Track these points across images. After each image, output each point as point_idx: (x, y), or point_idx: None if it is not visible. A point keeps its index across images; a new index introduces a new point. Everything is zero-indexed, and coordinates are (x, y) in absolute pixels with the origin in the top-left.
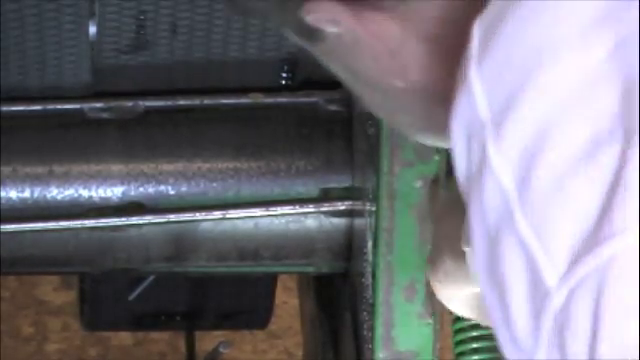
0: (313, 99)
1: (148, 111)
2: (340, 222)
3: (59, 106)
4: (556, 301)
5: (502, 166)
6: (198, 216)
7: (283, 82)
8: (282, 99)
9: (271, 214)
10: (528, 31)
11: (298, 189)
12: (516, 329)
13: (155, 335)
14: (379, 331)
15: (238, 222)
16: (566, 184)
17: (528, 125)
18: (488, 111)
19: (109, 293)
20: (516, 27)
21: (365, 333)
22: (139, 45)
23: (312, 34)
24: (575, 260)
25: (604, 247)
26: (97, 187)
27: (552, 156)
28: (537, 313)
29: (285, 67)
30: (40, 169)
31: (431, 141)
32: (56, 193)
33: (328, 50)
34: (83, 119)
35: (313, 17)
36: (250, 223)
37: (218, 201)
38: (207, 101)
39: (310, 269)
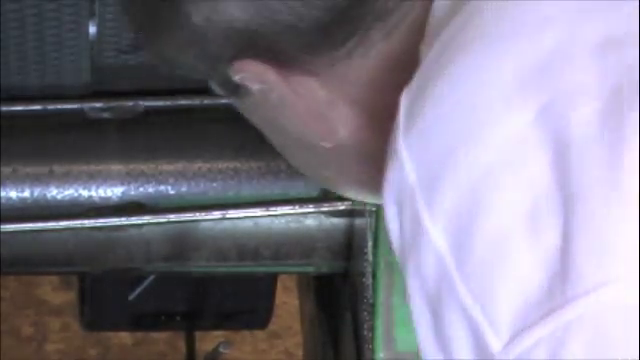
0: None
1: (148, 111)
2: (340, 222)
3: (59, 106)
4: None
5: (437, 232)
6: (198, 216)
7: None
8: None
9: (271, 214)
10: (452, 98)
11: (298, 189)
12: None
13: (155, 335)
14: (379, 331)
15: (238, 222)
16: (505, 253)
17: (459, 191)
18: (416, 178)
19: (109, 293)
20: (440, 95)
21: (365, 333)
22: (139, 45)
23: (237, 90)
24: (522, 327)
25: (558, 315)
26: (97, 187)
27: (487, 224)
28: None
29: None
30: (40, 169)
31: (359, 196)
32: (56, 193)
33: (252, 105)
34: (83, 119)
35: (240, 76)
36: (250, 223)
37: (218, 201)
38: (207, 101)
39: (310, 269)
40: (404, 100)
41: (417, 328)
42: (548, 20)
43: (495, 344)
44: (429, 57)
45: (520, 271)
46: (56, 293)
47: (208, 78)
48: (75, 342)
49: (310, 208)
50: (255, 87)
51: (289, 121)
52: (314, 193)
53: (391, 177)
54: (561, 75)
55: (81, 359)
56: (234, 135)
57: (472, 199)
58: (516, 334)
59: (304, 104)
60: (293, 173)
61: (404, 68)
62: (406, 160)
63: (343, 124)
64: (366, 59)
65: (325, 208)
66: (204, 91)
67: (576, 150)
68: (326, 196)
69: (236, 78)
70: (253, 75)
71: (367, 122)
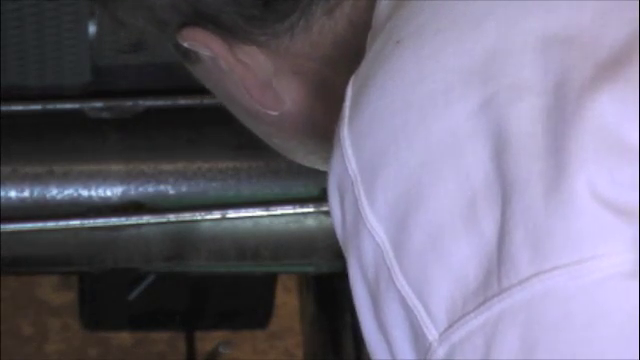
0: None
1: (148, 111)
2: None
3: (59, 106)
4: (437, 355)
5: (376, 223)
6: (198, 216)
7: None
8: None
9: (271, 214)
10: (394, 90)
11: (298, 189)
12: None
13: (155, 335)
14: None
15: (238, 222)
16: (442, 243)
17: (398, 182)
18: (357, 168)
19: (109, 293)
20: (382, 87)
21: None
22: (139, 45)
23: (188, 55)
24: (458, 316)
25: (492, 304)
26: (97, 187)
27: (425, 214)
28: None
29: None
30: (40, 169)
31: (309, 164)
32: (56, 193)
33: (204, 72)
34: (83, 119)
35: (188, 43)
36: (250, 223)
37: (218, 201)
38: (207, 101)
39: (310, 269)
40: (350, 89)
41: (359, 316)
42: (487, 14)
43: (431, 333)
44: (374, 48)
45: (457, 261)
46: (56, 293)
47: (161, 42)
48: (75, 342)
49: (310, 208)
50: (204, 54)
51: (236, 89)
52: (314, 193)
53: (334, 166)
54: (503, 69)
55: (81, 359)
56: (234, 135)
57: (411, 190)
58: (452, 323)
59: (249, 74)
60: (293, 173)
61: (349, 45)
62: (348, 150)
63: (288, 94)
64: (309, 33)
65: (325, 208)
66: (204, 91)
67: (515, 144)
68: (326, 196)
69: (184, 45)
70: (198, 42)
71: (312, 93)
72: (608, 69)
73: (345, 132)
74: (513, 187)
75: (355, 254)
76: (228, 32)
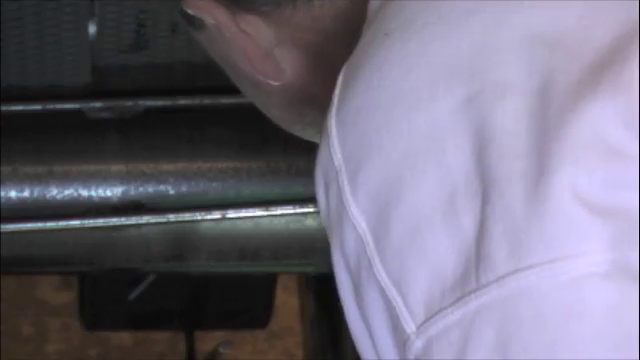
0: None
1: (148, 111)
2: None
3: (59, 106)
4: (414, 348)
5: (358, 214)
6: (198, 216)
7: None
8: None
9: (271, 214)
10: (380, 81)
11: (298, 189)
12: None
13: (155, 335)
14: None
15: (238, 222)
16: (421, 237)
17: (381, 174)
18: (342, 158)
19: (109, 293)
20: (370, 78)
21: None
22: (139, 45)
23: (193, 22)
24: (435, 310)
25: (470, 300)
26: (97, 187)
27: (406, 207)
28: (402, 355)
29: None
30: (40, 169)
31: (307, 136)
32: (56, 193)
33: (208, 39)
34: (83, 119)
35: (192, 10)
36: (250, 223)
37: (218, 201)
38: (207, 101)
39: (310, 269)
40: (341, 77)
41: (343, 303)
42: (474, 10)
43: (409, 325)
44: (364, 39)
45: (436, 255)
46: (56, 293)
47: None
48: (75, 342)
49: (310, 208)
50: (209, 21)
51: (239, 58)
52: (314, 193)
53: (321, 154)
54: (488, 66)
55: (81, 359)
56: (234, 135)
57: (392, 182)
58: (429, 317)
59: (252, 43)
60: (293, 173)
61: (349, 20)
62: (334, 139)
63: (289, 64)
64: (310, 6)
65: None
66: (204, 91)
67: (498, 142)
68: None
69: (189, 12)
70: (204, 11)
71: (312, 65)
72: (593, 72)
73: (333, 122)
74: (494, 185)
75: (338, 243)
76: (232, 1)
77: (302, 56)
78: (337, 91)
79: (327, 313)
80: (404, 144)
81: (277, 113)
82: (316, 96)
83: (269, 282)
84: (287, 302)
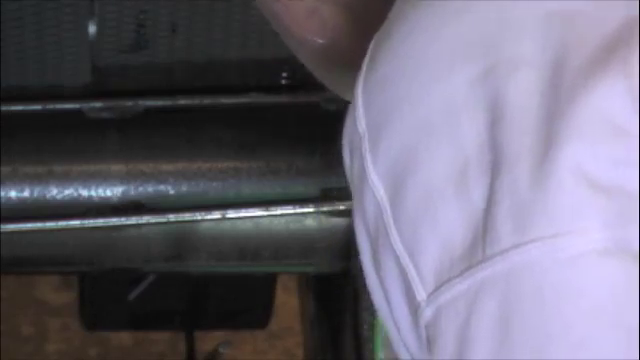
0: (313, 99)
1: (148, 111)
2: (340, 222)
3: (59, 106)
4: (425, 315)
5: (377, 181)
6: (198, 216)
7: (283, 82)
8: (282, 99)
9: (271, 214)
10: (407, 50)
11: (298, 189)
12: (402, 332)
13: (155, 335)
14: (379, 331)
15: (238, 222)
16: (434, 207)
17: (399, 143)
18: (366, 125)
19: (109, 293)
20: (396, 48)
21: (365, 333)
22: (139, 45)
23: None
24: (445, 279)
25: (476, 271)
26: (97, 187)
27: (420, 177)
28: (415, 322)
29: (285, 67)
30: (40, 169)
31: (347, 97)
32: (56, 193)
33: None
34: (83, 119)
35: None
36: (250, 223)
37: (218, 201)
38: (207, 101)
39: (310, 269)
40: (372, 45)
41: (363, 267)
42: None
43: (420, 293)
44: (394, 9)
45: (446, 225)
46: (56, 293)
47: None
48: (75, 342)
49: (310, 208)
50: None
51: (286, 17)
52: (314, 193)
53: (348, 121)
54: (504, 41)
55: (81, 359)
56: (234, 135)
57: (410, 151)
58: (439, 285)
59: (293, 1)
60: (293, 173)
61: None
62: (360, 106)
63: (331, 20)
64: None
65: (325, 208)
66: (204, 91)
67: (509, 117)
68: (326, 196)
69: None
70: None
71: (356, 24)
72: (605, 50)
73: (360, 89)
74: (504, 159)
75: (359, 208)
76: None
77: (346, 14)
78: (367, 59)
79: (327, 313)
80: (422, 114)
81: (323, 73)
82: (355, 56)
83: (269, 282)
84: (287, 302)
